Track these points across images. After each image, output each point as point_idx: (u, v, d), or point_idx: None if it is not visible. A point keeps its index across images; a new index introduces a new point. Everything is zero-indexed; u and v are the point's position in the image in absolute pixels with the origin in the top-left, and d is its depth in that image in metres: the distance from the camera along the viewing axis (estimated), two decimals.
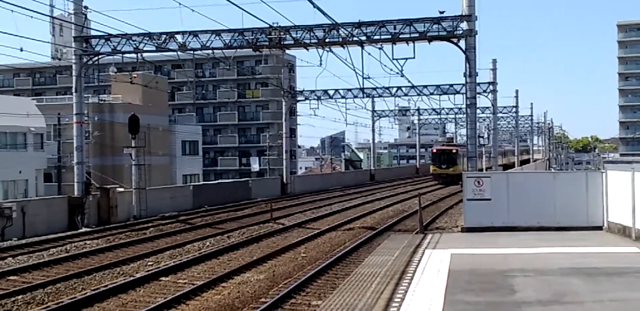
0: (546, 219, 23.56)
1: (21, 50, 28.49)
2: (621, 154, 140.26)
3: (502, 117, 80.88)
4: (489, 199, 23.97)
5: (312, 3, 21.44)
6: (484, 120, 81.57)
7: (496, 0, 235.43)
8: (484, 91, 52.73)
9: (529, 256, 18.14)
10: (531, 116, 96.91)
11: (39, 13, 36.59)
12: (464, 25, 28.67)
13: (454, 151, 67.56)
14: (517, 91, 75.64)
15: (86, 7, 32.40)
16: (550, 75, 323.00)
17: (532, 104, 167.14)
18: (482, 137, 79.10)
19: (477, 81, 32.14)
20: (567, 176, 26.36)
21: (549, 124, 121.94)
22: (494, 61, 54.56)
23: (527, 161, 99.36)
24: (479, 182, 24.15)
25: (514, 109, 76.48)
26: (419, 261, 17.63)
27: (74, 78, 33.81)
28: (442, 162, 67.00)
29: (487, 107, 64.89)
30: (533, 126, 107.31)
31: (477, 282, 14.54)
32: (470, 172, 27.50)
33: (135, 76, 42.91)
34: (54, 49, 77.64)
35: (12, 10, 23.94)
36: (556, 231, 22.89)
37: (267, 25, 29.64)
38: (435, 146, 79.01)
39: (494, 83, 53.40)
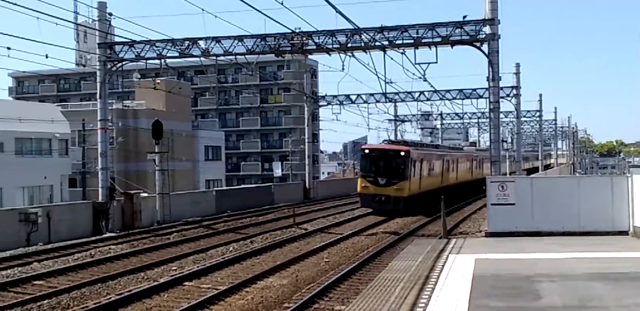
0: (571, 224, 23.39)
1: (46, 57, 28.73)
2: None
3: (525, 121, 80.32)
4: (513, 204, 23.85)
5: (335, 8, 21.52)
6: (508, 124, 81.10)
7: (519, 4, 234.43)
8: (507, 95, 52.47)
9: (553, 261, 18.00)
10: (555, 120, 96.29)
11: (64, 20, 36.97)
12: (486, 29, 28.56)
13: (401, 152, 39.42)
14: (540, 95, 75.34)
15: (110, 14, 32.64)
16: (575, 79, 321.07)
17: (556, 108, 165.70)
18: (506, 141, 77.75)
19: (500, 85, 31.97)
20: (592, 181, 26.14)
21: (573, 128, 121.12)
22: (517, 65, 54.29)
23: (547, 166, 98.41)
24: (502, 187, 24.03)
25: (537, 113, 76.06)
26: (443, 266, 17.55)
27: (98, 84, 34.06)
28: (379, 172, 39.85)
29: (511, 112, 64.48)
30: (557, 130, 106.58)
31: (502, 287, 14.46)
32: (494, 176, 27.37)
33: (159, 81, 43.13)
34: (79, 56, 78.32)
35: (37, 18, 24.23)
36: (581, 236, 22.71)
37: (290, 31, 29.70)
38: (367, 144, 50.40)
39: (517, 87, 53.14)
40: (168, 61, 33.82)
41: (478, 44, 29.19)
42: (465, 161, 57.18)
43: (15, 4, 21.82)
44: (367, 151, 41.30)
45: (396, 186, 38.99)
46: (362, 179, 40.72)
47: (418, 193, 41.03)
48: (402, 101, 58.75)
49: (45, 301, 16.55)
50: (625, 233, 22.95)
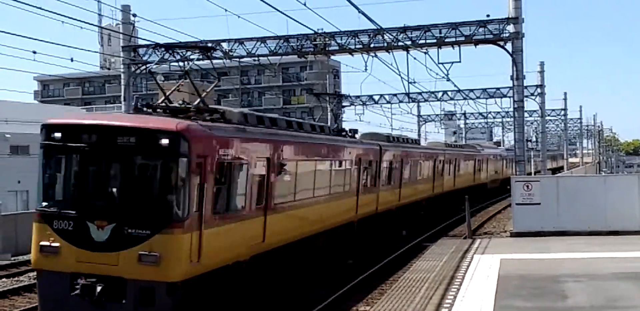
0: (597, 224, 23.20)
1: (71, 60, 28.90)
2: None
3: (550, 120, 79.72)
4: (539, 204, 23.69)
5: (357, 8, 21.46)
6: (532, 123, 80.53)
7: (544, 2, 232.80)
8: (532, 94, 52.04)
9: (579, 261, 17.87)
10: (580, 118, 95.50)
11: (88, 23, 37.13)
12: (510, 27, 28.39)
13: (162, 138, 12.28)
14: (565, 94, 74.71)
15: (135, 15, 32.80)
16: (600, 76, 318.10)
17: (581, 106, 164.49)
18: (530, 141, 76.98)
19: (525, 84, 31.75)
20: (618, 180, 25.92)
21: (598, 126, 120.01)
22: (542, 64, 53.91)
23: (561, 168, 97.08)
24: (528, 186, 23.88)
25: (562, 112, 75.52)
26: (468, 266, 17.49)
27: (122, 87, 34.25)
28: (92, 205, 12.54)
29: (535, 111, 63.92)
30: (582, 129, 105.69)
31: (528, 287, 14.38)
32: (519, 176, 27.20)
33: (182, 84, 43.32)
34: (103, 59, 78.89)
35: (62, 22, 24.46)
36: (607, 236, 22.52)
37: (312, 32, 29.68)
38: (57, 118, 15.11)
39: (541, 86, 52.73)
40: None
41: (502, 43, 29.01)
42: (420, 164, 33.85)
43: (40, 8, 22.03)
44: (58, 135, 14.12)
45: (143, 247, 12.09)
46: (40, 224, 13.04)
47: (246, 260, 14.71)
48: (426, 101, 58.55)
49: None
50: None
